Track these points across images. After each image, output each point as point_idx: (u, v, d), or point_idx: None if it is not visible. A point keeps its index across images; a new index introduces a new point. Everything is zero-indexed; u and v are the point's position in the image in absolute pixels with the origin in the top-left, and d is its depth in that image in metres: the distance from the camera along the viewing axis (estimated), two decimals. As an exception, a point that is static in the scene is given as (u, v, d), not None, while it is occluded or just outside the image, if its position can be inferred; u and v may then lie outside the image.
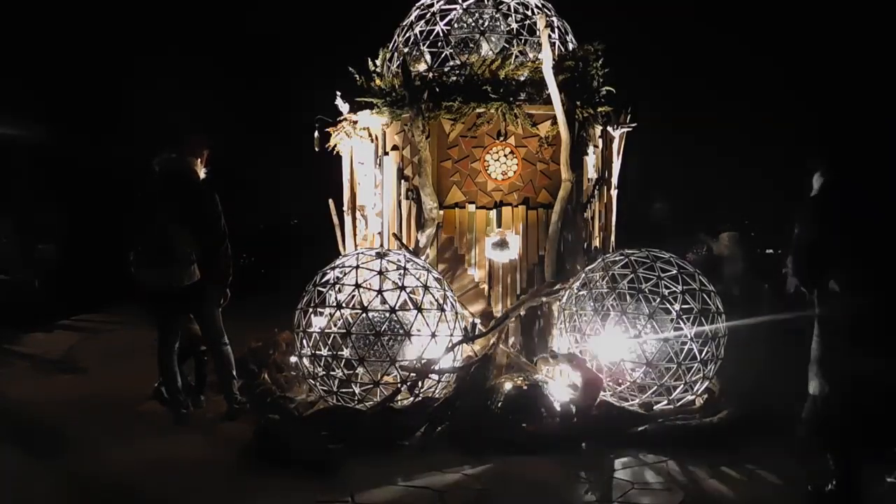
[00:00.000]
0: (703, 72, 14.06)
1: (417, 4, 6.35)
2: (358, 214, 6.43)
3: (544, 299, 5.57)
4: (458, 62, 5.99)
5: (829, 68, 13.49)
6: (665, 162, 12.57)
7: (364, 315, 4.91)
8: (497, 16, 6.17)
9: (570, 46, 6.16)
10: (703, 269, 5.38)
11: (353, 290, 5.02)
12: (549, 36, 5.69)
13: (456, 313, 5.13)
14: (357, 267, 5.03)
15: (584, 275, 5.35)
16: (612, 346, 5.03)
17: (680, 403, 5.00)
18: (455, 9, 6.21)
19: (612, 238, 6.47)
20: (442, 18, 6.18)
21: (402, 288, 4.96)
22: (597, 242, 6.23)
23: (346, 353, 4.99)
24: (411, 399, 4.89)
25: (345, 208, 6.57)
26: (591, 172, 6.10)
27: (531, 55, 6.06)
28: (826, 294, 3.63)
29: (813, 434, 3.77)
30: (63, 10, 12.96)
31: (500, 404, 4.77)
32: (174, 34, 13.88)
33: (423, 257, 5.59)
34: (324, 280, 5.16)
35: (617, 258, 5.26)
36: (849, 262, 3.56)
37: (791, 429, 4.86)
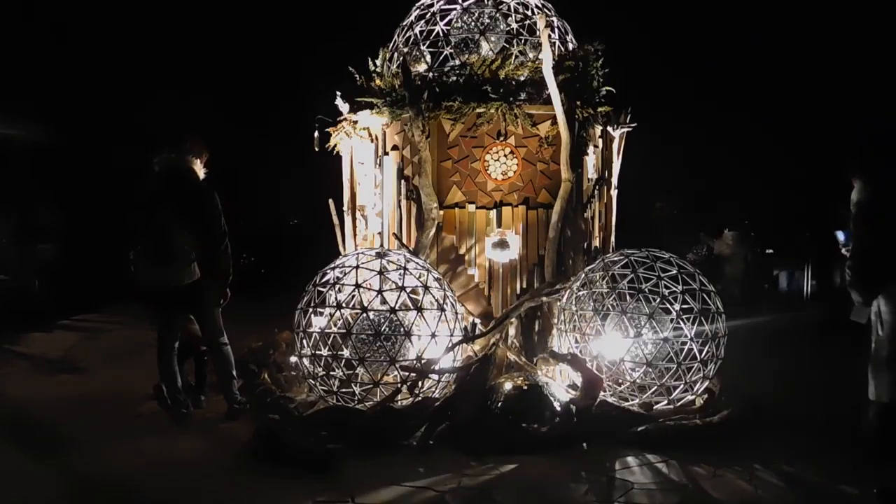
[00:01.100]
0: (703, 71, 14.05)
1: (417, 4, 6.35)
2: (358, 214, 6.43)
3: (544, 299, 5.57)
4: (458, 62, 5.99)
5: (833, 69, 13.50)
6: (665, 162, 12.57)
7: (364, 315, 4.91)
8: (497, 16, 6.17)
9: (570, 46, 6.16)
10: (703, 269, 5.38)
11: (353, 290, 5.02)
12: (549, 36, 5.69)
13: (456, 313, 5.13)
14: (357, 267, 5.04)
15: (584, 275, 5.35)
16: (612, 346, 5.03)
17: (680, 403, 5.00)
18: (455, 9, 6.21)
19: (612, 238, 6.47)
20: (442, 18, 6.18)
21: (402, 288, 4.96)
22: (597, 242, 6.23)
23: (346, 353, 5.00)
24: (411, 399, 4.89)
25: (345, 208, 6.57)
26: (591, 172, 6.10)
27: (531, 55, 6.06)
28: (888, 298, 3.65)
29: (874, 440, 3.77)
30: (62, 9, 12.97)
31: (500, 404, 4.77)
32: (173, 34, 13.87)
33: (422, 257, 5.59)
34: (324, 280, 5.16)
35: (617, 258, 5.26)
36: None
37: (789, 429, 4.89)
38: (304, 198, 13.76)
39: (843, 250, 4.00)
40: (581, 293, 5.24)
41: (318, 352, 5.03)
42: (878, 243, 3.61)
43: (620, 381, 5.01)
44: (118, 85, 13.25)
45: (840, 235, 4.03)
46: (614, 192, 6.49)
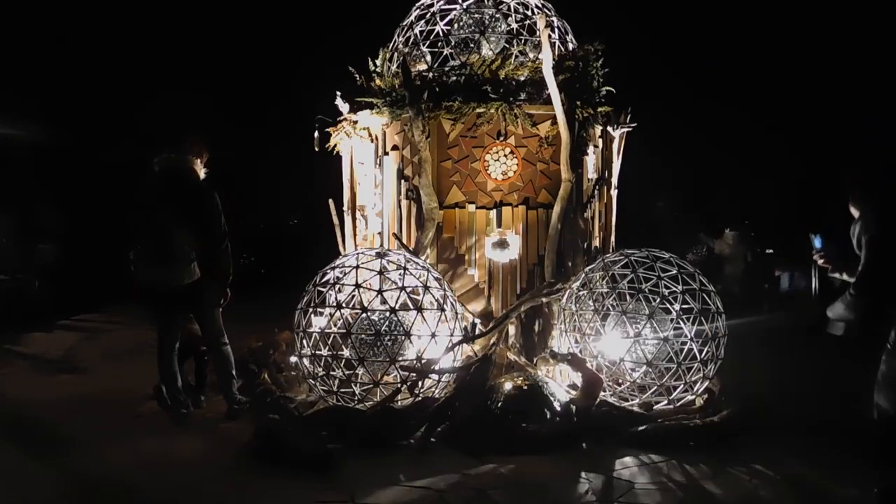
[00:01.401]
0: (703, 71, 14.06)
1: (417, 4, 6.35)
2: (358, 214, 6.43)
3: (544, 299, 5.57)
4: (458, 62, 5.99)
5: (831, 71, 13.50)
6: (665, 162, 12.58)
7: (364, 315, 4.91)
8: (497, 16, 6.17)
9: (570, 46, 6.16)
10: (703, 269, 5.38)
11: (353, 290, 5.02)
12: (549, 36, 5.68)
13: (456, 313, 5.13)
14: (357, 267, 5.04)
15: (584, 275, 5.35)
16: (612, 346, 5.03)
17: (680, 403, 5.00)
18: (455, 9, 6.21)
19: (612, 238, 6.47)
20: (442, 18, 6.18)
21: (402, 288, 4.96)
22: (597, 242, 6.23)
23: (346, 353, 5.00)
24: (411, 399, 4.89)
25: (345, 208, 6.57)
26: (591, 172, 6.09)
27: (531, 55, 6.05)
28: None
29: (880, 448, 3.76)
30: (64, 11, 12.97)
31: (500, 404, 4.77)
32: (173, 34, 13.87)
33: (423, 257, 5.59)
34: (324, 280, 5.16)
35: (617, 258, 5.26)
36: None
37: (788, 429, 4.89)
38: (304, 198, 13.77)
39: (815, 256, 3.96)
40: (581, 293, 5.24)
41: (318, 352, 5.03)
42: (886, 267, 3.61)
43: (620, 381, 5.01)
44: (118, 85, 13.25)
45: (816, 242, 3.97)
46: (614, 192, 6.49)
